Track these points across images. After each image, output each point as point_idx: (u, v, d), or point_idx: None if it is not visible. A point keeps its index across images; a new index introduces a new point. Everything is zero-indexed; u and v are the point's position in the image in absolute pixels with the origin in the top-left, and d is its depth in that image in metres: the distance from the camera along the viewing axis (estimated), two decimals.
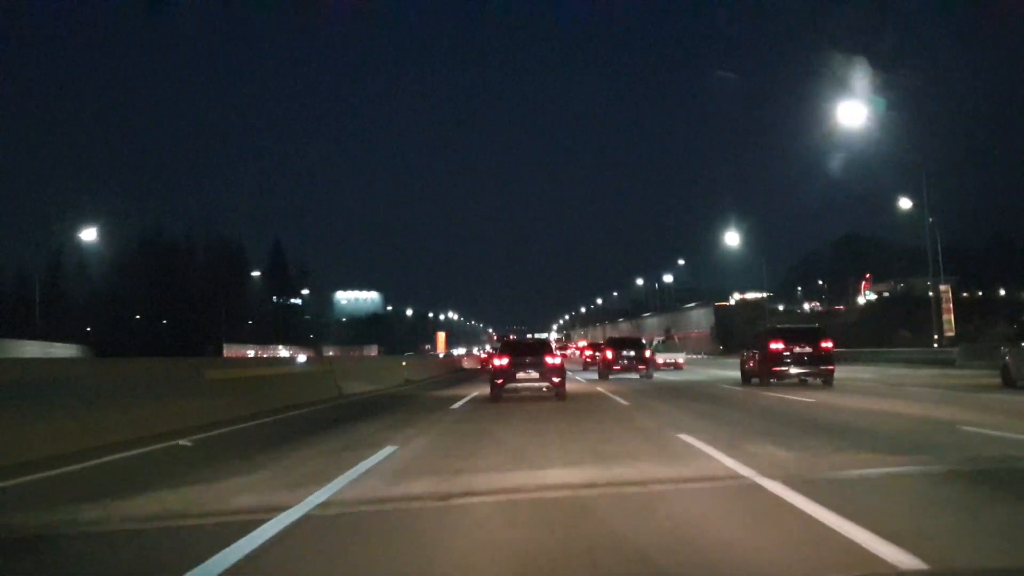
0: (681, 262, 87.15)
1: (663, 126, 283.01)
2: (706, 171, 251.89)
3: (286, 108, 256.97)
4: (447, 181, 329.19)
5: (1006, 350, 17.62)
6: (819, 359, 19.54)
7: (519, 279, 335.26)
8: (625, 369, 27.54)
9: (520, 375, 16.18)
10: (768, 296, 73.54)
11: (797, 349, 19.68)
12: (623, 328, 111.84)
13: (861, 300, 76.06)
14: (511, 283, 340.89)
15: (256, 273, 68.30)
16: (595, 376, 28.59)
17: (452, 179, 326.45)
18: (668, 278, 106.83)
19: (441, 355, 66.70)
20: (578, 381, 25.18)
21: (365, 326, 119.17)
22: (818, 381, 19.38)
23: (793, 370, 19.54)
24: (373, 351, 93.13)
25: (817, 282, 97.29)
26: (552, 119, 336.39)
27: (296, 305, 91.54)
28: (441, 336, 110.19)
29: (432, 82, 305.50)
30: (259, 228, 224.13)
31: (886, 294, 65.59)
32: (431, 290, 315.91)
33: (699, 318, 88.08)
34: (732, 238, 51.03)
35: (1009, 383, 16.66)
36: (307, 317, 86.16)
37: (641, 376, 27.18)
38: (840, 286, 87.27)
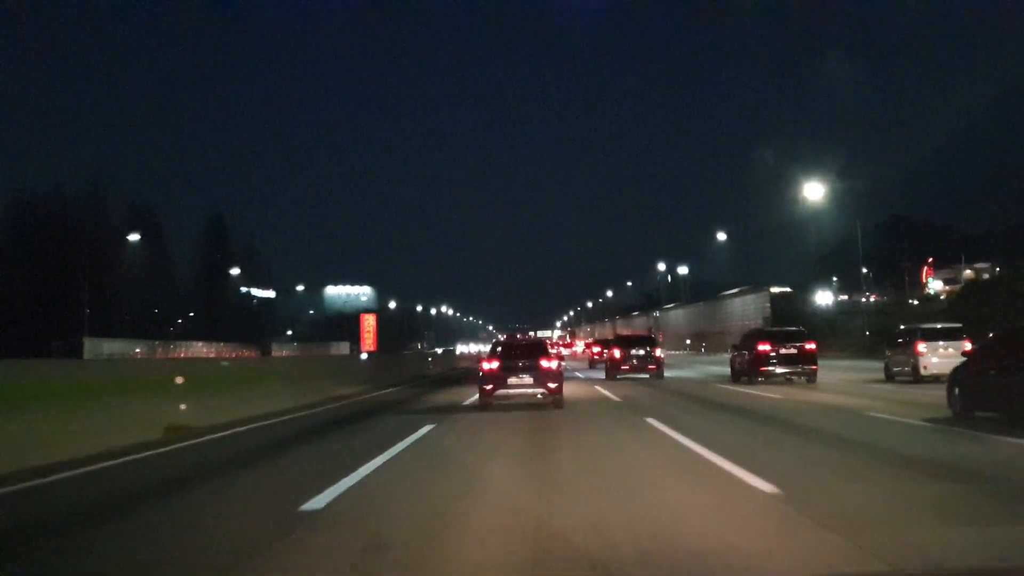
0: (722, 236, 71.13)
1: (678, 107, 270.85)
2: (723, 156, 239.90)
3: (279, 98, 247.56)
4: (447, 172, 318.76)
5: (888, 351, 23.04)
6: (804, 359, 21.59)
7: (522, 274, 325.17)
8: (634, 369, 26.36)
9: (512, 380, 14.95)
10: (790, 292, 65.58)
11: (783, 350, 21.70)
12: (638, 323, 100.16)
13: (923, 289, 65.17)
14: (514, 278, 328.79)
15: (134, 237, 48.83)
16: (602, 375, 27.68)
17: (453, 170, 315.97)
18: (683, 270, 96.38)
19: (365, 355, 45.20)
20: (582, 381, 25.18)
21: (349, 322, 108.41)
22: (803, 380, 21.37)
23: (779, 369, 21.56)
24: (343, 349, 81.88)
25: (861, 271, 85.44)
26: (557, 102, 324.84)
27: (253, 296, 79.88)
28: (368, 321, 71.30)
29: (432, 70, 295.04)
30: (257, 222, 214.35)
31: (985, 275, 53.33)
32: (430, 285, 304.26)
33: (744, 308, 70.33)
34: (814, 191, 38.75)
35: (890, 377, 21.81)
36: (245, 308, 70.34)
37: (651, 376, 25.93)
38: (891, 274, 75.50)
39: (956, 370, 12.29)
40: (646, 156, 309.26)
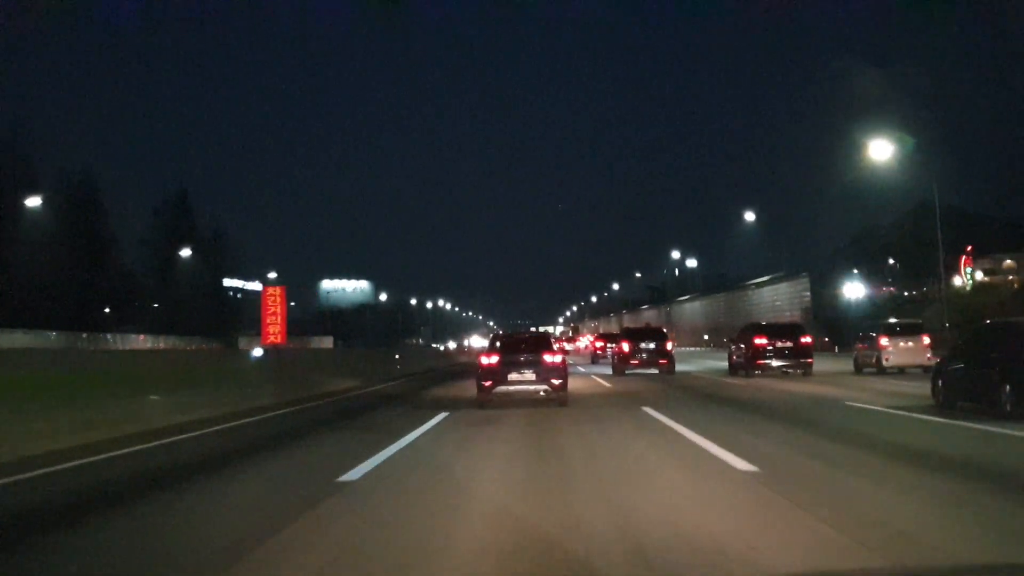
0: (750, 217, 61.50)
1: (679, 103, 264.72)
2: (726, 151, 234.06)
3: (278, 93, 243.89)
4: (448, 163, 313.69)
5: (858, 345, 24.10)
6: (799, 353, 22.32)
7: (524, 270, 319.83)
8: (643, 364, 25.57)
9: (513, 376, 14.34)
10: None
11: (779, 344, 22.43)
12: (647, 317, 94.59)
13: (958, 280, 59.25)
14: (515, 274, 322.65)
15: (35, 201, 40.74)
16: (606, 371, 27.38)
17: (454, 162, 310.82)
18: (691, 263, 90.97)
19: (257, 351, 28.43)
20: (588, 377, 24.71)
21: (339, 316, 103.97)
22: (798, 372, 22.02)
23: (775, 363, 22.28)
24: (327, 343, 76.54)
25: (887, 261, 79.43)
26: (558, 94, 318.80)
27: (233, 288, 74.56)
28: (272, 297, 23.29)
29: (432, 63, 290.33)
30: (259, 213, 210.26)
31: None
32: (430, 281, 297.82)
33: (776, 298, 61.41)
34: (881, 149, 32.10)
35: (858, 369, 23.10)
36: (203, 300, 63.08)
37: (662, 372, 25.06)
38: (923, 265, 68.97)
39: (939, 364, 13.46)
40: (648, 150, 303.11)
